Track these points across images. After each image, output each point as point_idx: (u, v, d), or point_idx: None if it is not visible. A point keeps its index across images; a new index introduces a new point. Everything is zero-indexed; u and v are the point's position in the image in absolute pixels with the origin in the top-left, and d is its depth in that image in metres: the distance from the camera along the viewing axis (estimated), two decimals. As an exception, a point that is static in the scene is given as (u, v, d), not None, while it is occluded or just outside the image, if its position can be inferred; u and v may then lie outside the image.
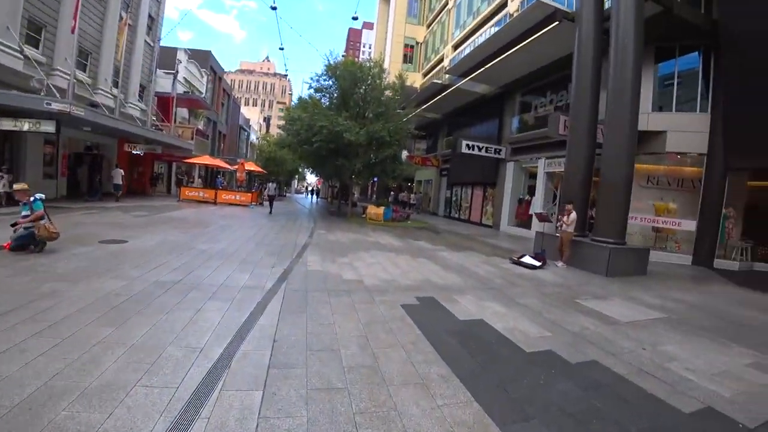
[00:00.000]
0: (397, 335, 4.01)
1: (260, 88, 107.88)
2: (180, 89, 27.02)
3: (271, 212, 18.56)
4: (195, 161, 23.50)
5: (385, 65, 19.15)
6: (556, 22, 11.54)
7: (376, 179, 30.46)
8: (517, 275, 7.74)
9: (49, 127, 12.54)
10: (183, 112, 29.88)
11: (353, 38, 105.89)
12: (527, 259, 8.84)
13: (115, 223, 10.54)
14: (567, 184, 10.42)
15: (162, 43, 25.25)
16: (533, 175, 17.32)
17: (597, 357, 3.88)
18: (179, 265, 6.22)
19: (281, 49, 38.75)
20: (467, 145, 17.72)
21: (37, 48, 14.51)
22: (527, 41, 12.97)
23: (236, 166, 25.76)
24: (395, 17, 35.98)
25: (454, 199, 24.53)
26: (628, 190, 9.08)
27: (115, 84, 19.23)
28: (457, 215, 23.69)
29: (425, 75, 32.69)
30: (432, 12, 33.01)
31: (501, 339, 4.17)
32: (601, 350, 4.07)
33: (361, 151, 16.75)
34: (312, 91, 18.66)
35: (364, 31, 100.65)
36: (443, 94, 20.96)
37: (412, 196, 28.90)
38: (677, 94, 12.16)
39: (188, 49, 30.34)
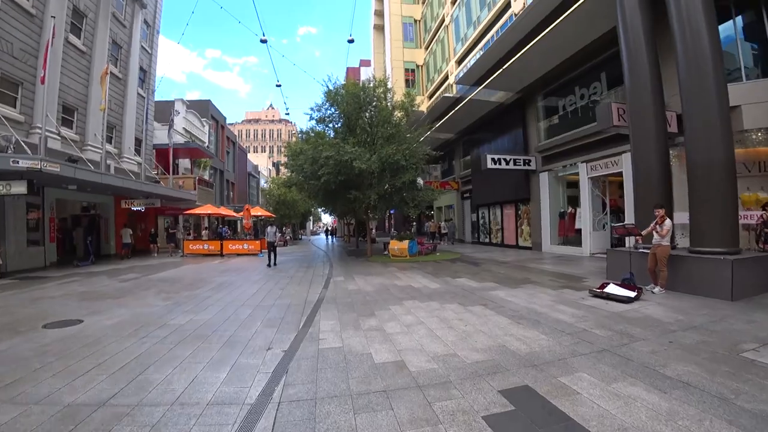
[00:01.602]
0: None
1: (267, 135, 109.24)
2: (180, 140, 26.03)
3: (271, 264, 14.11)
4: (196, 212, 21.94)
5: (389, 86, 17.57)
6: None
7: (393, 211, 28.38)
8: (618, 317, 5.41)
9: (20, 188, 11.07)
10: (186, 163, 28.89)
11: (352, 76, 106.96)
12: (614, 290, 6.51)
13: (88, 293, 8.74)
14: (641, 186, 8.22)
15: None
16: (572, 184, 15.10)
17: None
18: (129, 361, 4.17)
19: (278, 86, 37.80)
20: (493, 159, 15.73)
21: (14, 106, 13.42)
22: (551, 26, 11.13)
23: (242, 213, 24.06)
24: (391, 44, 35.12)
25: (482, 222, 22.21)
26: (733, 176, 6.79)
27: (109, 140, 18.07)
28: (488, 239, 21.31)
29: (430, 97, 31.27)
30: (429, 32, 32.03)
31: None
32: None
33: (375, 180, 14.85)
34: (314, 122, 17.08)
35: (362, 68, 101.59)
36: (456, 109, 19.18)
37: (442, 224, 26.37)
38: (744, 61, 10.01)
39: (187, 99, 29.73)
